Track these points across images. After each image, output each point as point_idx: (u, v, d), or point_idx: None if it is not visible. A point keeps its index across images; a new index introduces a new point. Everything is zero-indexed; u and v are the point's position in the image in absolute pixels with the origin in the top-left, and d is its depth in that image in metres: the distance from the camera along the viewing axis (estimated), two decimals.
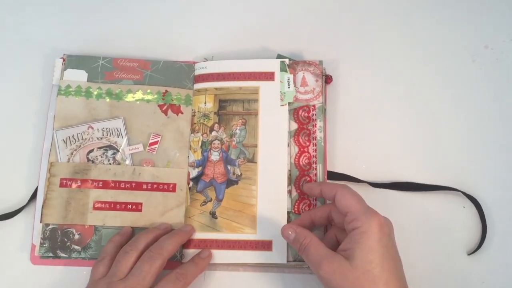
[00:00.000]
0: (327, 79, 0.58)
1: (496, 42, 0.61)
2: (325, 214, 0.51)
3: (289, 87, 0.56)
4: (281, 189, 0.54)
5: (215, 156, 0.56)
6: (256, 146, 0.56)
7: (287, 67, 0.57)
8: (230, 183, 0.55)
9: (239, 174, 0.55)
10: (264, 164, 0.55)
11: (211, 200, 0.55)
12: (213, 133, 0.57)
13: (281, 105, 0.56)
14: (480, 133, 0.58)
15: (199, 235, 0.54)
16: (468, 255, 0.54)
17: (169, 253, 0.50)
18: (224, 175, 0.56)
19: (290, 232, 0.49)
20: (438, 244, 0.54)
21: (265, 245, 0.53)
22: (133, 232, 0.54)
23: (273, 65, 0.57)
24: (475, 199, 0.55)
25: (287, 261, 0.52)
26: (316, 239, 0.47)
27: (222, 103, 0.57)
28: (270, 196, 0.54)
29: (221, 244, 0.53)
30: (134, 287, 0.46)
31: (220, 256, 0.53)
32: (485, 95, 0.59)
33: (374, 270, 0.43)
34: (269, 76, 0.57)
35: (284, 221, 0.53)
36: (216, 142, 0.56)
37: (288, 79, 0.56)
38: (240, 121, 0.57)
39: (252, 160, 0.55)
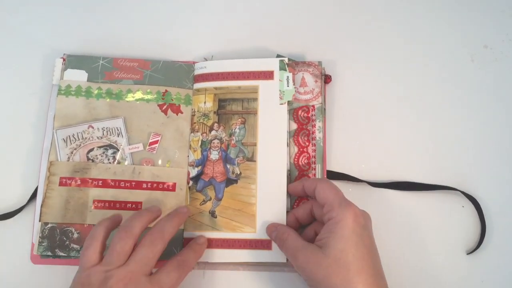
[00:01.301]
0: (326, 79, 0.58)
1: (495, 42, 0.61)
2: (307, 210, 0.51)
3: (288, 86, 0.56)
4: (281, 188, 0.54)
5: (214, 155, 0.56)
6: (255, 144, 0.56)
7: (286, 66, 0.57)
8: (229, 182, 0.55)
9: (239, 173, 0.55)
10: (263, 163, 0.55)
11: (210, 199, 0.55)
12: (213, 132, 0.57)
13: (280, 104, 0.56)
14: (480, 132, 0.58)
15: (198, 234, 0.54)
16: (467, 254, 0.54)
17: (170, 236, 0.48)
18: (223, 174, 0.56)
19: (272, 230, 0.51)
20: (437, 243, 0.54)
21: (265, 244, 0.53)
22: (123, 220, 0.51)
23: (272, 64, 0.57)
24: (474, 199, 0.55)
25: (287, 260, 0.52)
26: (294, 232, 0.49)
27: (222, 103, 0.57)
28: (269, 195, 0.54)
29: (220, 243, 0.53)
30: (136, 273, 0.44)
31: (219, 255, 0.53)
32: (485, 94, 0.59)
33: (346, 257, 0.43)
34: (268, 75, 0.57)
35: (283, 220, 0.53)
36: (216, 141, 0.57)
37: (287, 78, 0.56)
38: (240, 120, 0.57)
39: (252, 159, 0.55)
